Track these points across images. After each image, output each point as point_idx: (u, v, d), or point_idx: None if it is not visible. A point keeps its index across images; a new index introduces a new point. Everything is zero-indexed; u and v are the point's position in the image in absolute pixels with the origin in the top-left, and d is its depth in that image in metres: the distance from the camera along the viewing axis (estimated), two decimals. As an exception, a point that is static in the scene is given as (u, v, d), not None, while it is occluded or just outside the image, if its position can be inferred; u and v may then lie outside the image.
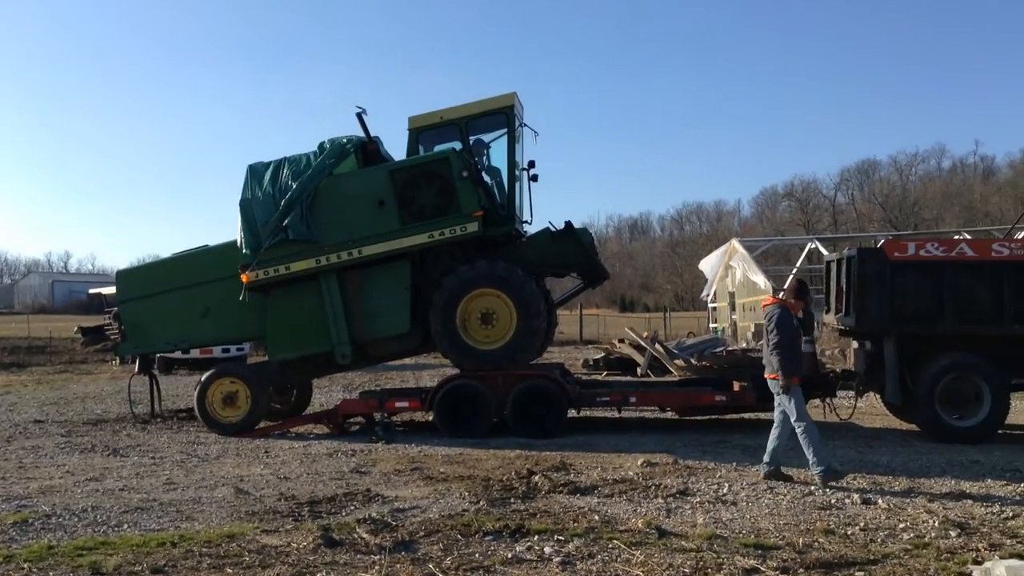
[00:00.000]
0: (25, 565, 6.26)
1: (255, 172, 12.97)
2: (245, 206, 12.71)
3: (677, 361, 18.83)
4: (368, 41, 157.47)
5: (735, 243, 36.14)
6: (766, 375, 9.44)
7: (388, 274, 12.63)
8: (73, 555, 6.52)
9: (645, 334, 22.67)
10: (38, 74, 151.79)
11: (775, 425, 9.28)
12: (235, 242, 12.93)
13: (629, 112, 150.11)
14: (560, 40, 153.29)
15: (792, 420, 9.04)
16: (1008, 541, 6.76)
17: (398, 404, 12.91)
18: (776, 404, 9.34)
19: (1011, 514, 7.65)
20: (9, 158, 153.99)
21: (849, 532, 7.05)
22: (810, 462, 8.93)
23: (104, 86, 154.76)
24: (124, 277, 14.33)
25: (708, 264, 37.54)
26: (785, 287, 9.35)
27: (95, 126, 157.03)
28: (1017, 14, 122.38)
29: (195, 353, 20.84)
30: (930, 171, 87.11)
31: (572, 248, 13.36)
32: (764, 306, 9.69)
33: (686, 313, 60.65)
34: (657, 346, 20.74)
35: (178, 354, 21.26)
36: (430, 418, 12.82)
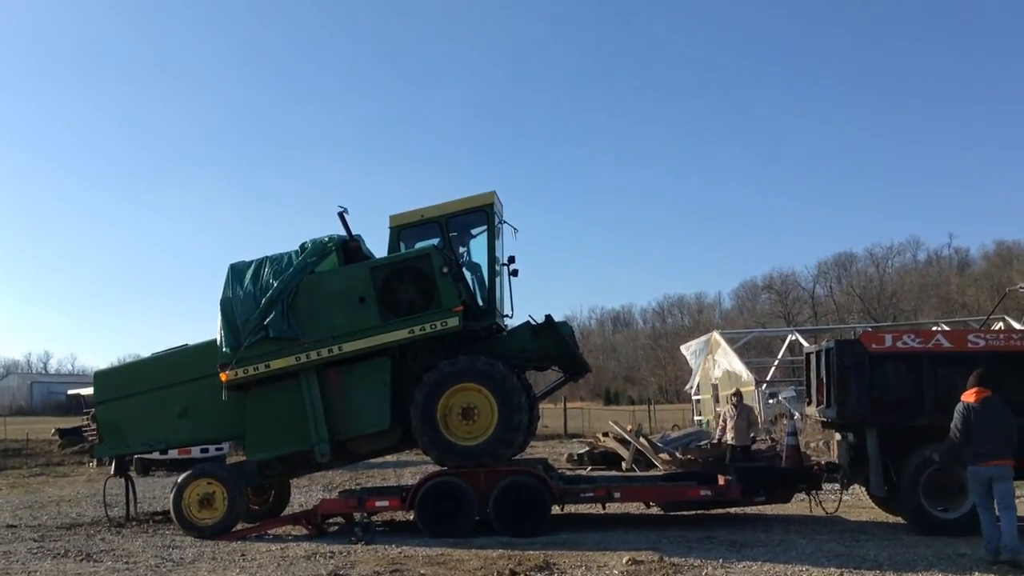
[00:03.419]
0: None
1: (236, 271, 13.05)
2: (225, 305, 12.74)
3: (662, 455, 18.76)
4: (350, 143, 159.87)
5: (716, 335, 36.29)
6: (993, 463, 9.62)
7: (368, 370, 12.58)
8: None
9: (629, 427, 22.58)
10: (15, 167, 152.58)
11: (991, 514, 9.67)
12: (214, 341, 12.90)
13: (609, 206, 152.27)
14: (540, 132, 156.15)
15: (1008, 502, 9.53)
16: (998, 636, 6.66)
17: (378, 503, 12.70)
18: (982, 493, 9.73)
19: (1000, 608, 7.55)
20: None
21: (837, 630, 6.92)
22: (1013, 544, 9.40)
23: (83, 185, 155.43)
24: (102, 377, 14.22)
25: (689, 350, 37.57)
26: (976, 378, 10.03)
27: (73, 226, 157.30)
28: (986, 110, 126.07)
29: (173, 453, 20.55)
30: (906, 263, 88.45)
31: (553, 341, 13.38)
32: (979, 399, 9.81)
33: (671, 405, 60.41)
34: (642, 440, 20.65)
35: (156, 455, 20.94)
36: (411, 517, 12.61)
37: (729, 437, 16.44)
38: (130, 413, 13.47)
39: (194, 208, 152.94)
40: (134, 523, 14.14)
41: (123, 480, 14.48)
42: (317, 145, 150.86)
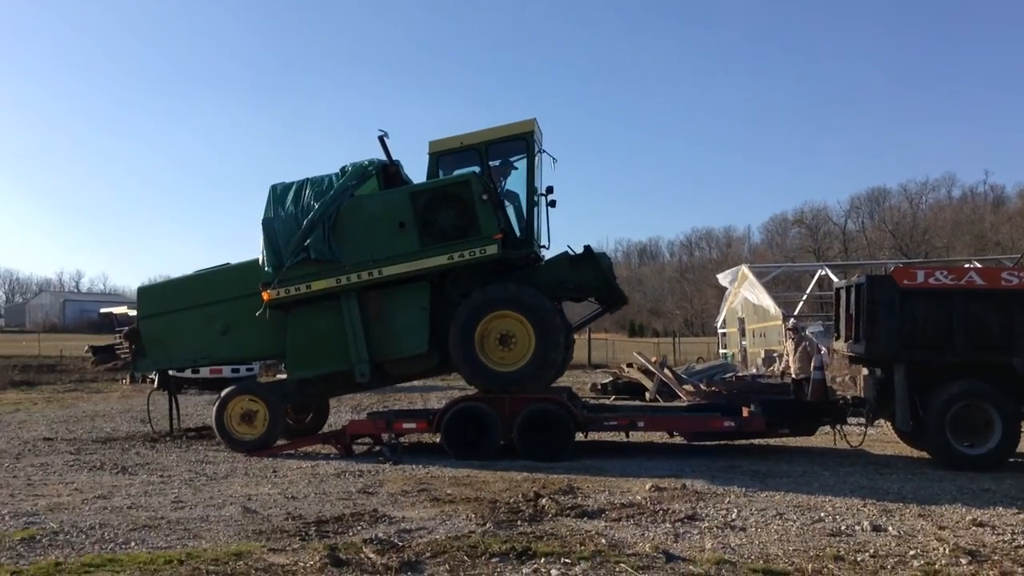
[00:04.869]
0: (33, 581, 6.28)
1: (277, 192, 13.06)
2: (267, 225, 12.78)
3: (686, 386, 18.81)
4: (386, 64, 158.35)
5: (745, 269, 36.07)
6: None
7: (407, 295, 12.65)
8: (80, 572, 6.54)
9: (654, 359, 22.66)
10: (47, 91, 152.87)
11: None
12: (256, 260, 13.00)
13: (639, 137, 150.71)
14: (571, 64, 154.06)
15: None
16: (1019, 569, 6.72)
17: (405, 425, 12.89)
18: None
19: (1022, 542, 7.59)
20: (22, 177, 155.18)
21: (859, 559, 7.01)
22: None
23: (117, 105, 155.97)
24: (145, 293, 14.44)
25: (727, 279, 37.28)
26: None
27: (107, 145, 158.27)
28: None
29: (205, 372, 20.90)
30: (940, 200, 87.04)
31: (591, 272, 13.33)
32: None
33: (695, 338, 60.56)
34: (666, 371, 20.71)
35: (188, 373, 21.29)
36: (437, 440, 12.82)
37: (794, 370, 16.24)
38: (173, 329, 13.69)
39: (227, 127, 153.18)
40: (176, 436, 14.48)
41: (166, 394, 14.79)
42: (354, 70, 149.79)
